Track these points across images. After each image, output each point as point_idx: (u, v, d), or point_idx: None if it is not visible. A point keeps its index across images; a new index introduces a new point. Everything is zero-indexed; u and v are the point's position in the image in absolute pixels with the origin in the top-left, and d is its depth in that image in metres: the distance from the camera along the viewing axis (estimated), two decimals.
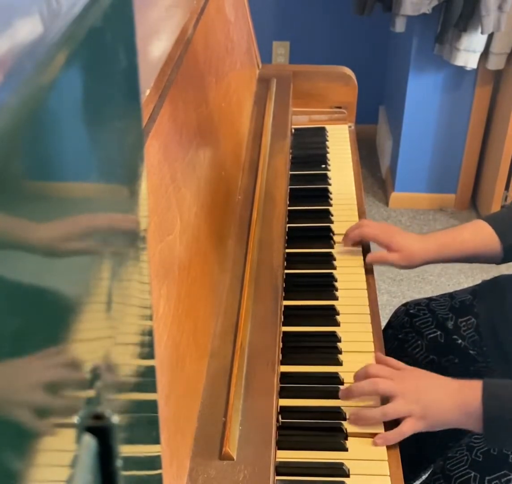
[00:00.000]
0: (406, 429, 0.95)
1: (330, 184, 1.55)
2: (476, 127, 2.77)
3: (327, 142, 1.73)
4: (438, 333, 1.31)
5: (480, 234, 1.22)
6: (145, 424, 0.41)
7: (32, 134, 0.25)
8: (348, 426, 0.96)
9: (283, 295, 1.18)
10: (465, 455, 1.08)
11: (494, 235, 1.21)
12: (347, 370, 1.05)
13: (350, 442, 0.94)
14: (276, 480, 0.88)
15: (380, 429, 0.95)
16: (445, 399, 0.96)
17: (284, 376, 1.04)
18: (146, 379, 0.41)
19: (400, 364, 1.03)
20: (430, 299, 1.37)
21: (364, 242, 1.32)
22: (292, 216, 1.41)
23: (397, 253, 1.23)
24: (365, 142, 3.11)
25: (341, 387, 1.02)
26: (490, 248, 1.22)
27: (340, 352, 1.09)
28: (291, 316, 1.16)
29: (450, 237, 1.24)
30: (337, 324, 1.15)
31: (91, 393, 0.31)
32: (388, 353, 1.13)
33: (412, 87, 2.73)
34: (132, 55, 0.36)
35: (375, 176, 3.14)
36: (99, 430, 0.31)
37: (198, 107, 1.13)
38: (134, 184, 0.38)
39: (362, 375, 1.00)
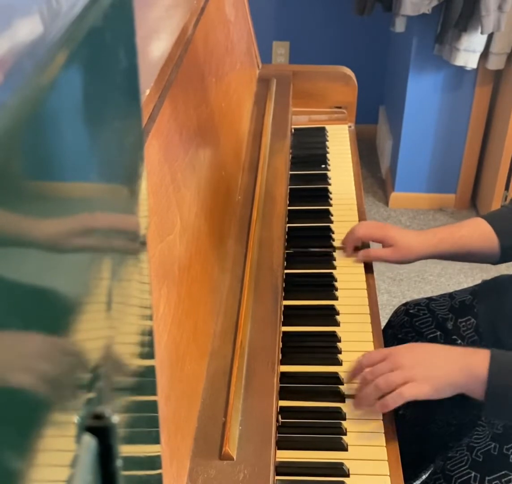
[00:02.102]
0: (406, 392, 0.91)
1: (330, 184, 1.55)
2: (476, 127, 2.77)
3: (327, 142, 1.73)
4: (438, 333, 1.31)
5: (479, 231, 1.22)
6: (145, 424, 0.41)
7: (32, 134, 0.25)
8: (348, 426, 0.96)
9: (283, 295, 1.18)
10: (466, 455, 1.08)
11: (493, 233, 1.21)
12: (347, 370, 1.05)
13: (350, 442, 0.94)
14: (276, 480, 0.88)
15: (381, 429, 0.95)
16: (448, 362, 0.94)
17: (284, 376, 1.04)
18: (146, 379, 0.41)
19: (393, 348, 1.02)
20: (430, 299, 1.37)
21: (364, 242, 1.32)
22: (292, 216, 1.41)
23: (390, 248, 1.23)
24: (365, 142, 3.11)
25: (341, 387, 1.02)
26: (488, 245, 1.21)
27: (340, 352, 1.09)
28: (291, 316, 1.16)
29: (448, 232, 1.24)
30: (337, 324, 1.15)
31: (91, 393, 0.31)
32: None
33: (412, 87, 2.73)
34: (132, 55, 0.36)
35: (375, 176, 3.14)
36: (99, 430, 0.31)
37: (198, 107, 1.13)
38: (134, 184, 0.38)
39: (357, 370, 0.99)
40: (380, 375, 0.95)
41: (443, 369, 0.94)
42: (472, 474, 1.05)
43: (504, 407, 0.95)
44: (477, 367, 0.93)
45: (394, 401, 0.91)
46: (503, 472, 1.04)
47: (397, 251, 1.23)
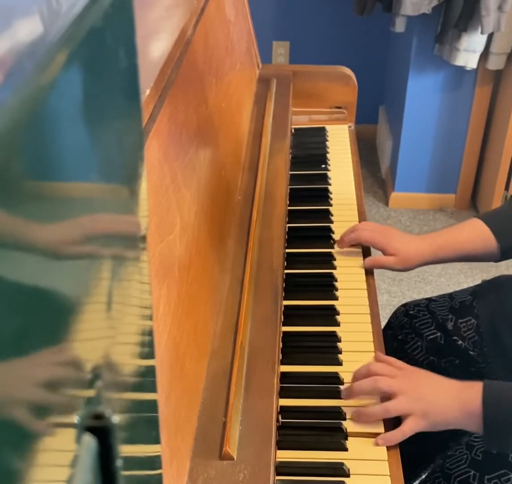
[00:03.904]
0: (407, 429, 0.94)
1: (330, 184, 1.55)
2: (476, 127, 2.77)
3: (327, 142, 1.73)
4: (438, 334, 1.31)
5: (477, 235, 1.23)
6: (145, 424, 0.41)
7: (32, 134, 0.25)
8: (348, 426, 0.96)
9: (283, 295, 1.18)
10: (465, 454, 1.08)
11: (491, 235, 1.22)
12: (347, 370, 1.05)
13: (350, 442, 0.94)
14: (276, 480, 0.88)
15: (380, 428, 0.95)
16: (447, 399, 0.96)
17: (284, 376, 1.04)
18: (146, 379, 0.41)
19: (402, 363, 1.03)
20: (429, 300, 1.37)
21: (363, 244, 1.32)
22: (292, 216, 1.41)
23: (393, 257, 1.24)
24: (365, 142, 3.11)
25: (341, 387, 1.02)
26: (487, 248, 1.23)
27: (340, 352, 1.09)
28: (291, 316, 1.16)
29: (446, 239, 1.25)
30: (337, 324, 1.15)
31: (91, 393, 0.31)
32: (387, 354, 1.12)
33: (412, 87, 2.73)
34: (132, 55, 0.36)
35: (375, 176, 3.14)
36: (99, 430, 0.31)
37: (198, 107, 1.13)
38: (134, 184, 0.38)
39: (363, 373, 1.00)
40: (384, 386, 0.96)
41: (441, 407, 0.96)
42: (471, 473, 1.05)
43: (502, 440, 0.97)
44: (472, 405, 0.95)
45: (395, 439, 0.94)
46: (502, 471, 1.04)
47: (400, 260, 1.24)
